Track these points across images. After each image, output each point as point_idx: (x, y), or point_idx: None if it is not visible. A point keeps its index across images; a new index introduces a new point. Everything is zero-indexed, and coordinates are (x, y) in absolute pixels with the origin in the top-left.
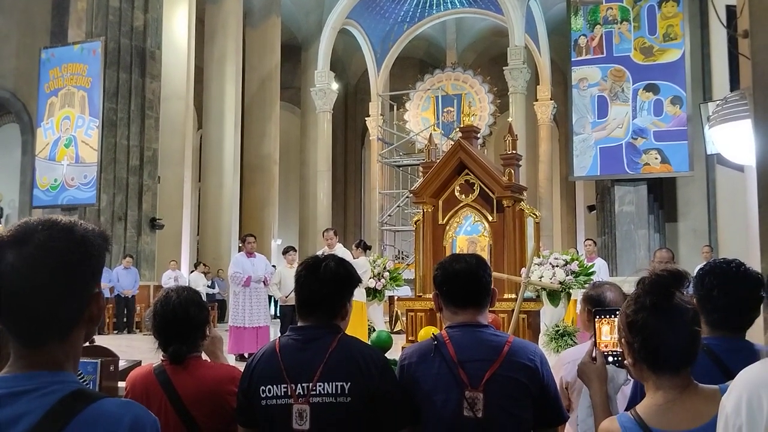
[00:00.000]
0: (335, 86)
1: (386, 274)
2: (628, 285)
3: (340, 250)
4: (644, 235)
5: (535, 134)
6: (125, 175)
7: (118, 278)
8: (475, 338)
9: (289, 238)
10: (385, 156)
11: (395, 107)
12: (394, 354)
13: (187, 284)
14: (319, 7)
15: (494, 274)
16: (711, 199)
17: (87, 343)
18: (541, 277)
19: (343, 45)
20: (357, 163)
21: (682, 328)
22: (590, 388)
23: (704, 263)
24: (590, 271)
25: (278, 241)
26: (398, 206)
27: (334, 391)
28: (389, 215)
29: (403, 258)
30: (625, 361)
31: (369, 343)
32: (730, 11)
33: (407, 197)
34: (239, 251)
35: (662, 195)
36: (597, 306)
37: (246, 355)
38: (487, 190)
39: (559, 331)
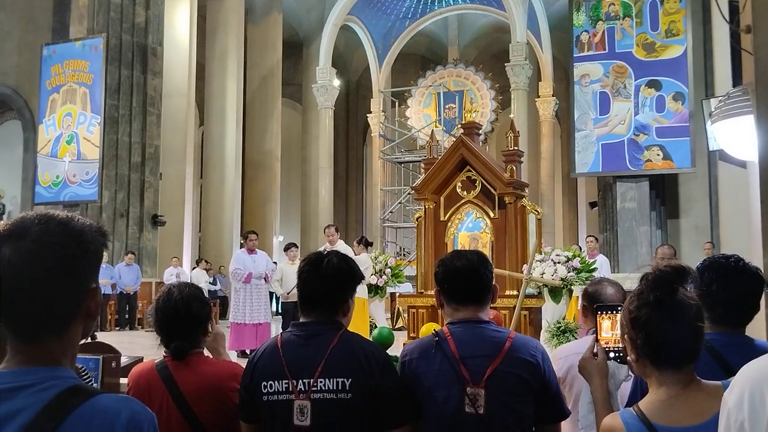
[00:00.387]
0: (337, 83)
1: (388, 270)
2: (630, 282)
3: (342, 247)
4: (646, 232)
5: (536, 131)
6: (127, 171)
7: (120, 275)
8: (476, 334)
9: (291, 235)
10: (387, 152)
11: (397, 104)
12: (395, 351)
13: (189, 281)
14: (321, 3)
15: (496, 270)
16: (713, 195)
17: (89, 340)
18: (542, 274)
19: (345, 41)
20: (359, 159)
21: (685, 324)
22: (591, 383)
23: (704, 259)
24: (592, 267)
25: (280, 237)
26: (400, 203)
27: (335, 388)
28: (391, 212)
29: (404, 255)
30: (628, 357)
31: (370, 339)
32: (733, 7)
33: (409, 194)
34: (241, 248)
35: (664, 191)
36: (593, 302)
37: (247, 352)
38: (488, 186)
39: (560, 327)
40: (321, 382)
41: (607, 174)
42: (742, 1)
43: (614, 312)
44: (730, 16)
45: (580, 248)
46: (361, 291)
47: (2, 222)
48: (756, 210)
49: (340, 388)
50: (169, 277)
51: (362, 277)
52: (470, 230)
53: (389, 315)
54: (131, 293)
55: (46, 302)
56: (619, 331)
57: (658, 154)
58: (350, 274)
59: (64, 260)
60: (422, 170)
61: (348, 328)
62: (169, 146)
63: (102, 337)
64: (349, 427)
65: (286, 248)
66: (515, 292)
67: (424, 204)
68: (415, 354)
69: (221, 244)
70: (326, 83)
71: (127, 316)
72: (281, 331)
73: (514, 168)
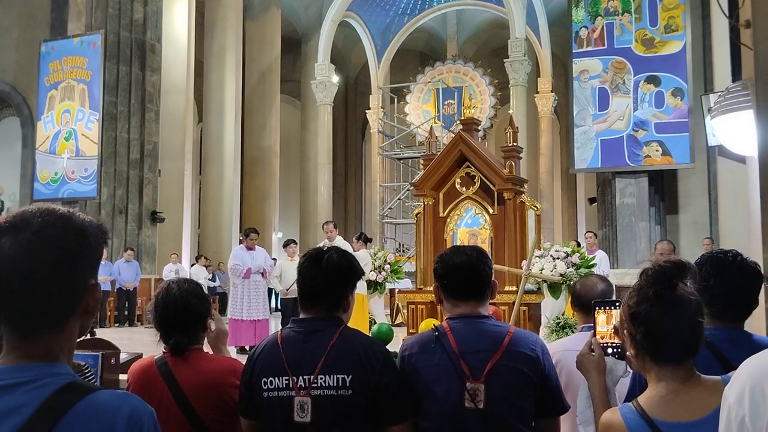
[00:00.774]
0: (335, 79)
1: (387, 266)
2: (630, 277)
3: (341, 243)
4: (645, 228)
5: (535, 127)
6: (126, 168)
7: (120, 271)
8: (476, 329)
9: (290, 231)
10: (386, 149)
11: (396, 100)
12: (394, 347)
13: (188, 277)
14: None
15: (495, 266)
16: (712, 191)
17: (87, 336)
18: (542, 270)
19: (344, 37)
20: (357, 155)
21: (685, 319)
22: (588, 379)
23: (702, 254)
24: (591, 263)
25: (279, 233)
26: (399, 199)
27: (335, 384)
28: (390, 208)
29: (403, 251)
30: (627, 353)
31: (369, 335)
32: (732, 2)
33: (408, 190)
34: (240, 244)
35: (663, 187)
36: (575, 299)
37: (247, 348)
38: (487, 182)
39: (560, 323)
40: (321, 378)
41: (606, 170)
42: None
43: (611, 307)
44: (730, 11)
45: (578, 244)
46: (361, 287)
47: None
48: (755, 205)
49: (340, 384)
50: (168, 273)
51: (362, 273)
52: (469, 226)
53: (388, 311)
54: (130, 290)
55: (44, 297)
56: (616, 327)
57: (657, 150)
58: (350, 270)
59: (64, 255)
60: (421, 166)
61: (347, 324)
62: (168, 143)
63: (101, 333)
64: (350, 423)
65: (285, 244)
66: (514, 288)
67: (423, 200)
68: (415, 349)
69: (220, 240)
70: (325, 79)
71: (126, 312)
72: (281, 327)
73: (513, 164)
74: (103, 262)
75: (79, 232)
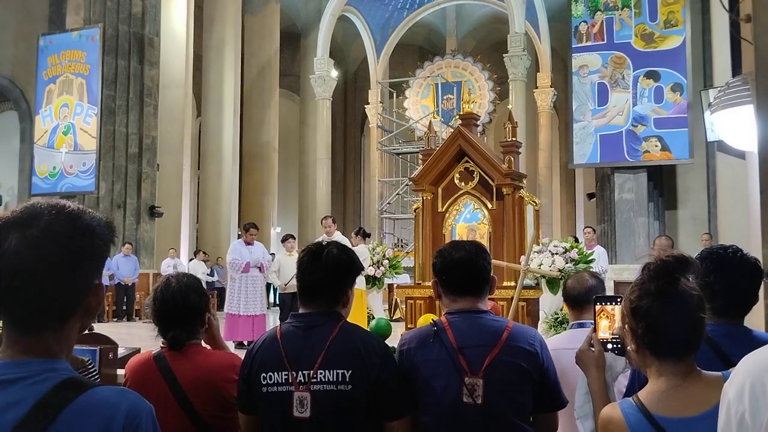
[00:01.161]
0: (334, 73)
1: (385, 261)
2: (628, 273)
3: (339, 238)
4: (644, 223)
5: (534, 122)
6: (124, 162)
7: (118, 266)
8: (474, 324)
9: (288, 226)
10: (385, 144)
11: (395, 95)
12: (393, 342)
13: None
14: None
15: (493, 261)
16: (711, 186)
17: (86, 331)
18: (540, 265)
19: (343, 32)
20: (356, 150)
21: (686, 314)
22: (588, 375)
23: (702, 250)
24: (589, 258)
25: (277, 228)
26: (398, 194)
27: (334, 379)
28: (388, 203)
29: (402, 246)
30: (628, 348)
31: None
32: None
33: (407, 185)
34: (238, 239)
35: (662, 182)
36: (566, 295)
37: (245, 343)
38: (486, 177)
39: (558, 318)
40: (321, 373)
41: (605, 165)
42: None
43: (611, 303)
44: (730, 6)
45: (576, 239)
46: (359, 282)
47: (2, 209)
48: (755, 201)
49: (340, 379)
50: (166, 268)
51: (362, 269)
52: (468, 221)
53: (387, 306)
54: (129, 284)
55: (46, 295)
56: (617, 323)
57: (656, 145)
58: (350, 265)
59: (69, 253)
60: (420, 161)
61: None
62: (167, 137)
63: (99, 328)
64: (349, 418)
65: (284, 239)
66: (513, 284)
67: (421, 195)
68: (414, 343)
69: (218, 235)
70: (324, 74)
71: (124, 307)
72: (279, 322)
73: (512, 159)
74: None
75: (87, 231)
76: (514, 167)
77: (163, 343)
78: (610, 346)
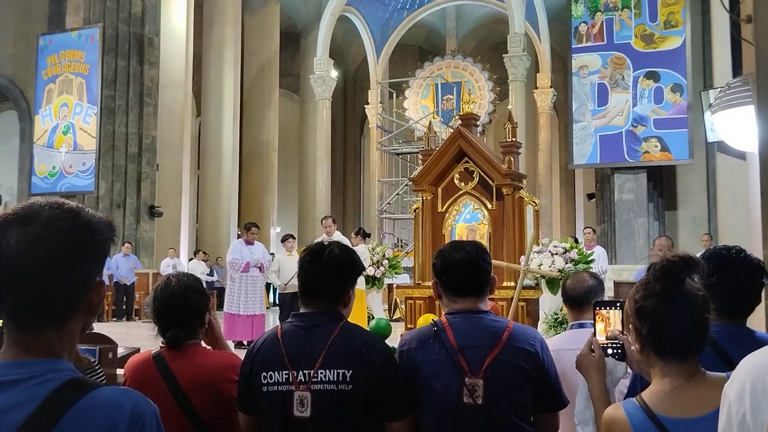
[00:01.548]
0: (334, 74)
1: (385, 261)
2: (628, 273)
3: (339, 238)
4: (644, 223)
5: (534, 122)
6: (124, 162)
7: (118, 265)
8: (474, 324)
9: (288, 226)
10: (385, 144)
11: (394, 95)
12: (393, 342)
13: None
14: None
15: (493, 261)
16: (711, 187)
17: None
18: (540, 265)
19: (343, 32)
20: (356, 150)
21: (691, 314)
22: (588, 380)
23: (704, 250)
24: (589, 259)
25: (277, 228)
26: (397, 194)
27: (335, 379)
28: (388, 203)
29: (402, 246)
30: (631, 348)
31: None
32: None
33: (406, 185)
34: (239, 238)
35: (662, 183)
36: (565, 295)
37: (245, 343)
38: (486, 177)
39: (558, 319)
40: (321, 373)
41: (605, 165)
42: None
43: (612, 308)
44: (731, 6)
45: (576, 240)
46: (359, 282)
47: (1, 208)
48: (755, 201)
49: (340, 379)
50: (166, 268)
51: (363, 269)
52: (468, 221)
53: (386, 306)
54: (128, 284)
55: (48, 292)
56: (615, 327)
57: (656, 146)
58: (351, 265)
59: (70, 249)
60: (420, 161)
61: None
62: (166, 137)
63: (99, 327)
64: (349, 418)
65: (283, 239)
66: (513, 284)
67: (421, 195)
68: (414, 344)
69: (218, 235)
70: (324, 74)
71: (124, 306)
72: (279, 322)
73: (512, 159)
74: None
75: (87, 228)
76: (513, 168)
77: (162, 343)
78: (610, 351)
